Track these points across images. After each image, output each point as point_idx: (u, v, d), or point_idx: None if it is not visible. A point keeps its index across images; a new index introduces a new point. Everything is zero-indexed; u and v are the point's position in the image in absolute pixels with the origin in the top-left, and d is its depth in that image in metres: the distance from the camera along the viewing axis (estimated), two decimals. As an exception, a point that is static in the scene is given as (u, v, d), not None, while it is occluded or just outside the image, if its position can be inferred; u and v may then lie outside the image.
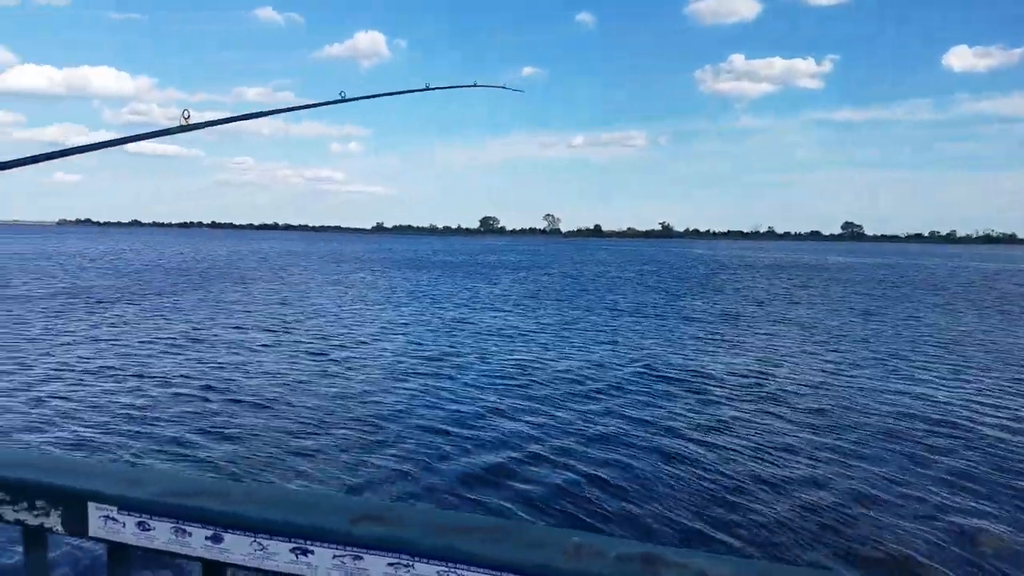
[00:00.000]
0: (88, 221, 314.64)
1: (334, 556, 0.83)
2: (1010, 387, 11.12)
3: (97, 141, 2.48)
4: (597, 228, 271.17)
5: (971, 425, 8.85)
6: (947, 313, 22.31)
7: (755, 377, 11.65)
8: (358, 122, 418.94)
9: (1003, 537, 5.66)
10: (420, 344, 14.49)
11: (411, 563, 0.80)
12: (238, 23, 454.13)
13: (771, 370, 12.29)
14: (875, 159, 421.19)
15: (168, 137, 2.58)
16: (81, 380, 10.48)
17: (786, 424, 8.85)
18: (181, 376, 10.85)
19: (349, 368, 11.89)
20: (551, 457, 7.39)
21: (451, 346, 14.31)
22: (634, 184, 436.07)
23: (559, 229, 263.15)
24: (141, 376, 10.82)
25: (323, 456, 7.33)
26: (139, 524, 0.91)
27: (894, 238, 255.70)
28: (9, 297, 21.90)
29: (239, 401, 9.48)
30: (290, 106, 3.24)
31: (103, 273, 34.04)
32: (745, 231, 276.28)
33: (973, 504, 6.32)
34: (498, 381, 11.04)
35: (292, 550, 0.85)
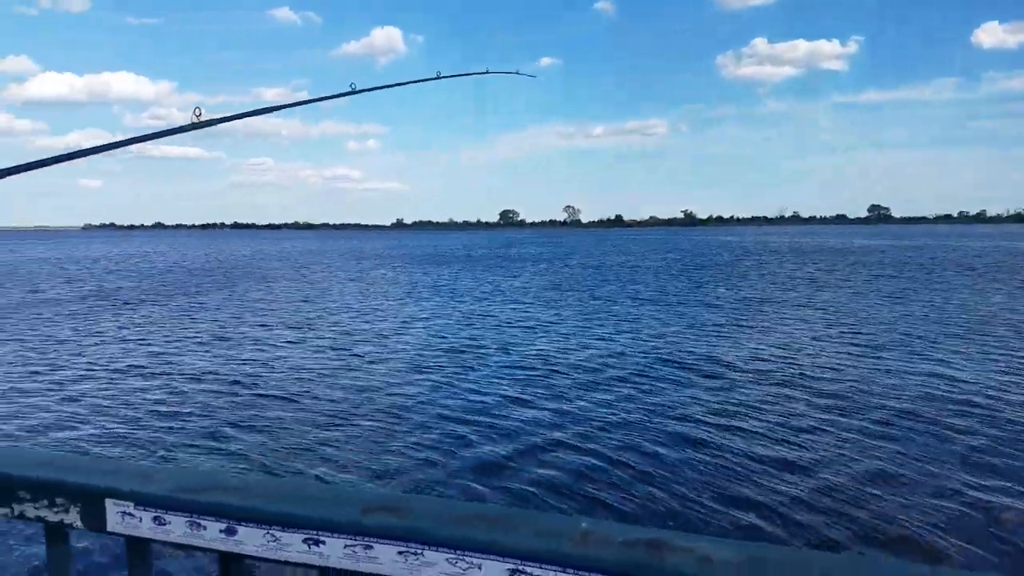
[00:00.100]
0: (112, 225, 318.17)
1: (345, 546, 0.86)
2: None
3: (108, 142, 2.54)
4: (618, 218, 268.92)
5: (998, 406, 8.72)
6: (975, 293, 21.90)
7: (778, 362, 11.57)
8: (376, 120, 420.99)
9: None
10: (442, 337, 14.58)
11: (420, 551, 0.82)
12: (255, 24, 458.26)
13: (795, 355, 12.18)
14: (902, 140, 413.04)
15: (190, 140, 2.64)
16: (112, 379, 10.73)
17: (809, 408, 8.78)
18: (209, 373, 11.06)
19: (372, 362, 12.01)
20: (573, 444, 7.43)
21: (472, 339, 14.38)
22: (655, 173, 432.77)
23: (580, 220, 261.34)
24: (170, 374, 11.04)
25: (349, 446, 7.45)
26: (155, 519, 0.95)
27: (922, 219, 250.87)
28: (40, 301, 22.41)
29: (266, 395, 9.64)
30: (300, 100, 3.28)
31: (129, 275, 34.64)
32: (770, 216, 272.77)
33: (998, 483, 6.24)
34: (519, 372, 11.09)
35: (304, 540, 0.88)
